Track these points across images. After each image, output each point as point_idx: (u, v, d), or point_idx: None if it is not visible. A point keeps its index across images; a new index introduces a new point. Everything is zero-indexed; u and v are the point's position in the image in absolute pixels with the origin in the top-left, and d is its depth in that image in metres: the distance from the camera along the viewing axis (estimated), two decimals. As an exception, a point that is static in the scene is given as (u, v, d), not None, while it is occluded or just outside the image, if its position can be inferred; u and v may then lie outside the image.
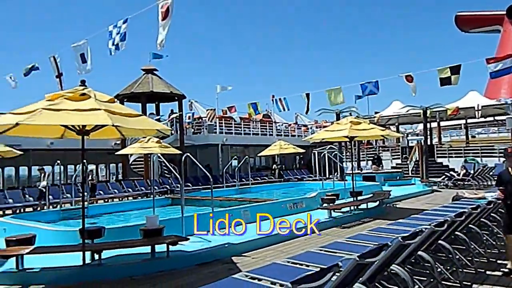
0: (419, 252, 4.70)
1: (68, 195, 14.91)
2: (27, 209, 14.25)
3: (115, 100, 6.12)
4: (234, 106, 21.41)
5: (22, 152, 13.18)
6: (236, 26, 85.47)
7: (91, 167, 18.99)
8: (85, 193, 14.15)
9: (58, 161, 12.56)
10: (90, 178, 16.09)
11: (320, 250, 5.30)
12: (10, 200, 14.42)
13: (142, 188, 18.17)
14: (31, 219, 9.62)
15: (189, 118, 23.88)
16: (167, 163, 10.13)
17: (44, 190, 13.85)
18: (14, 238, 6.01)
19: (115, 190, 17.30)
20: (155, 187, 18.03)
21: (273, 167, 26.51)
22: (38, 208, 14.03)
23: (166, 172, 21.33)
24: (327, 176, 21.36)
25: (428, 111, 22.97)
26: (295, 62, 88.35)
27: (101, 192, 16.59)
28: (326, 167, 21.23)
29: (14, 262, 5.49)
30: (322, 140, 12.21)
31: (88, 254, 5.90)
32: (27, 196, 15.12)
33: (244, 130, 26.85)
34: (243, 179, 20.79)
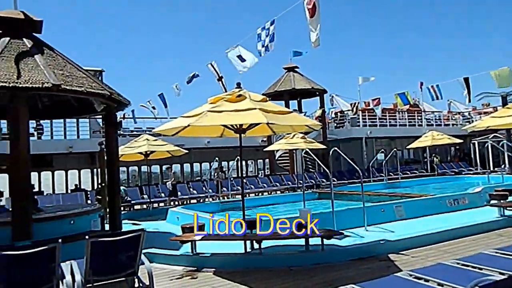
0: None
1: (225, 188, 16.46)
2: (192, 201, 16.25)
3: (267, 99, 6.47)
4: (379, 98, 20.40)
5: (187, 151, 14.99)
6: (376, 14, 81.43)
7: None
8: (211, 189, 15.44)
9: (217, 158, 13.90)
10: (216, 176, 16.89)
11: (496, 252, 4.66)
12: (179, 193, 16.61)
13: (289, 182, 18.85)
14: (197, 209, 10.92)
15: (332, 113, 23.78)
16: (315, 158, 10.23)
17: (171, 188, 15.41)
18: (188, 226, 6.89)
19: (264, 185, 18.34)
20: (301, 182, 18.53)
21: (433, 159, 24.22)
22: (201, 200, 15.84)
23: (311, 166, 21.68)
24: (492, 169, 18.75)
25: None
26: (442, 48, 79.49)
27: (252, 186, 17.80)
28: (490, 159, 18.63)
29: (190, 246, 6.28)
30: (487, 128, 10.69)
31: (248, 243, 6.39)
32: (191, 189, 17.22)
33: (390, 122, 25.42)
34: (391, 173, 19.72)
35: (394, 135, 25.33)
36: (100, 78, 19.64)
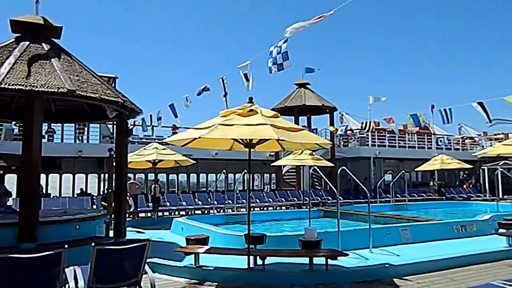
0: None
1: (230, 201, 16.40)
2: (196, 212, 16.21)
3: (279, 115, 6.49)
4: (391, 118, 20.32)
5: (194, 162, 15.02)
6: (388, 39, 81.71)
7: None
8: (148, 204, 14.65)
9: (224, 170, 13.91)
10: (152, 192, 15.43)
11: (504, 283, 4.56)
12: (184, 203, 16.61)
13: (295, 198, 18.76)
14: (202, 221, 10.89)
15: (341, 131, 23.75)
16: (322, 176, 10.18)
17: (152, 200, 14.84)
18: (193, 238, 6.87)
19: (270, 199, 18.27)
20: (306, 198, 18.44)
21: (431, 184, 24.38)
22: (206, 212, 15.81)
23: (317, 184, 21.56)
24: (501, 196, 18.51)
25: None
26: (450, 73, 79.20)
27: (257, 200, 17.73)
28: (500, 186, 18.40)
29: (193, 258, 6.25)
30: (499, 155, 10.61)
31: (251, 258, 6.34)
32: (196, 200, 17.20)
33: (399, 143, 25.30)
34: (398, 195, 19.53)
35: (403, 157, 25.19)
36: (113, 85, 19.89)
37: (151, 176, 21.16)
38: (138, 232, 10.62)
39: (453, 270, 6.75)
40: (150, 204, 15.22)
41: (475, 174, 25.75)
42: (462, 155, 23.30)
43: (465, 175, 27.49)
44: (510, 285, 4.46)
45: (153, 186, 15.60)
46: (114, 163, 9.52)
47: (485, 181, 22.86)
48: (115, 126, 11.47)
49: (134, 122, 17.66)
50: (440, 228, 9.63)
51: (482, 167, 23.23)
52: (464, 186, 25.23)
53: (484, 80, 77.66)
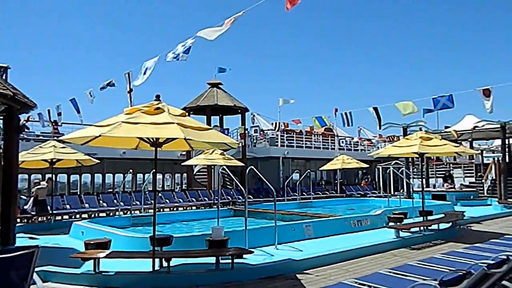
0: (503, 282, 4.31)
1: (138, 202, 15.76)
2: (101, 214, 15.28)
3: (187, 114, 6.40)
4: (299, 119, 21.34)
5: (98, 161, 14.14)
6: (299, 41, 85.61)
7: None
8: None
9: (131, 170, 13.31)
10: (33, 193, 13.53)
11: (390, 272, 5.06)
12: (86, 205, 15.54)
13: (205, 198, 18.68)
14: (105, 224, 10.30)
15: (255, 132, 24.29)
16: (231, 175, 10.28)
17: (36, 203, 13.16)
18: (92, 242, 6.45)
19: (180, 200, 17.94)
20: (217, 198, 18.49)
21: (321, 182, 26.41)
22: (111, 214, 14.99)
23: (228, 183, 21.76)
24: (392, 192, 20.53)
25: (507, 126, 21.21)
26: (357, 77, 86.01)
27: (167, 200, 17.31)
28: (391, 183, 20.39)
29: (92, 264, 5.88)
30: (389, 155, 11.75)
31: (157, 260, 6.16)
32: (101, 201, 16.20)
33: (306, 144, 26.68)
34: (304, 193, 20.60)
35: (309, 157, 26.61)
36: (4, 76, 17.86)
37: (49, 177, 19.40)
38: (30, 238, 9.69)
39: (348, 262, 7.31)
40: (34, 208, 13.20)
41: (372, 173, 28.21)
42: (360, 156, 25.34)
43: (366, 174, 29.99)
44: (394, 273, 4.96)
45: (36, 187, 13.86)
46: (2, 163, 8.55)
47: (379, 179, 25.14)
48: (4, 121, 10.26)
49: (29, 117, 16.04)
50: (339, 223, 10.35)
51: (377, 167, 25.52)
52: (362, 184, 27.52)
53: (381, 84, 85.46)
